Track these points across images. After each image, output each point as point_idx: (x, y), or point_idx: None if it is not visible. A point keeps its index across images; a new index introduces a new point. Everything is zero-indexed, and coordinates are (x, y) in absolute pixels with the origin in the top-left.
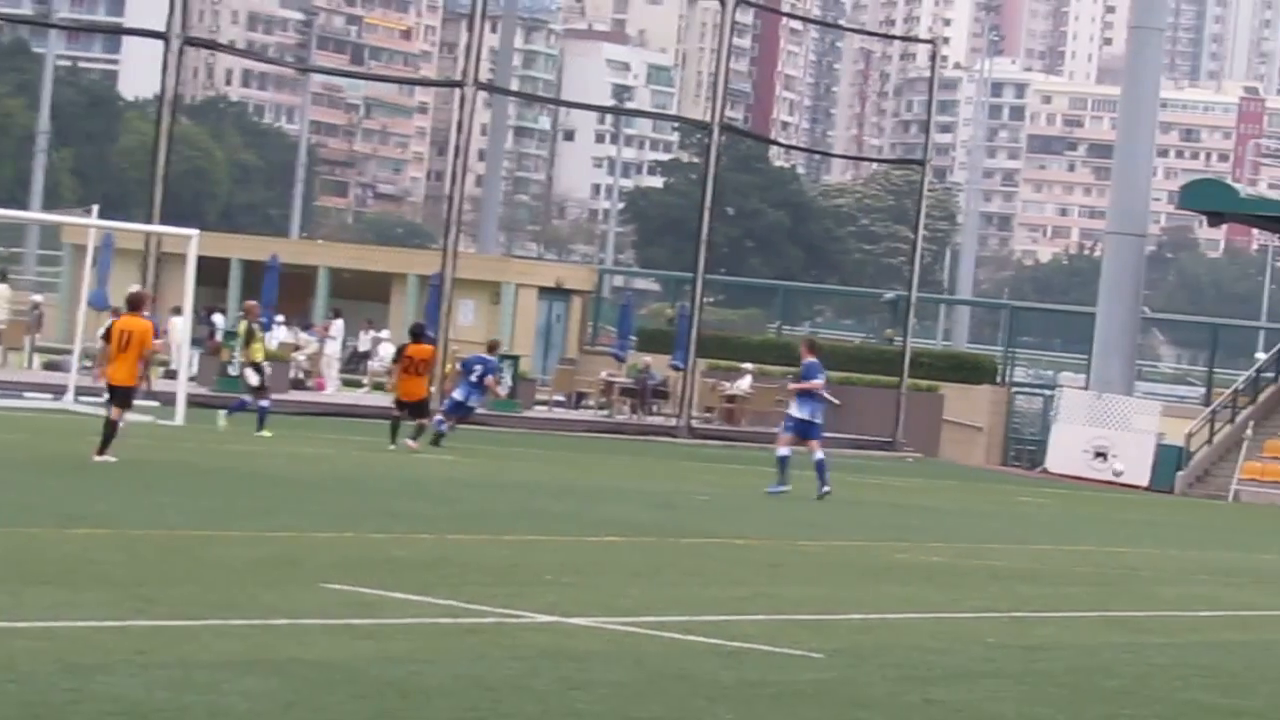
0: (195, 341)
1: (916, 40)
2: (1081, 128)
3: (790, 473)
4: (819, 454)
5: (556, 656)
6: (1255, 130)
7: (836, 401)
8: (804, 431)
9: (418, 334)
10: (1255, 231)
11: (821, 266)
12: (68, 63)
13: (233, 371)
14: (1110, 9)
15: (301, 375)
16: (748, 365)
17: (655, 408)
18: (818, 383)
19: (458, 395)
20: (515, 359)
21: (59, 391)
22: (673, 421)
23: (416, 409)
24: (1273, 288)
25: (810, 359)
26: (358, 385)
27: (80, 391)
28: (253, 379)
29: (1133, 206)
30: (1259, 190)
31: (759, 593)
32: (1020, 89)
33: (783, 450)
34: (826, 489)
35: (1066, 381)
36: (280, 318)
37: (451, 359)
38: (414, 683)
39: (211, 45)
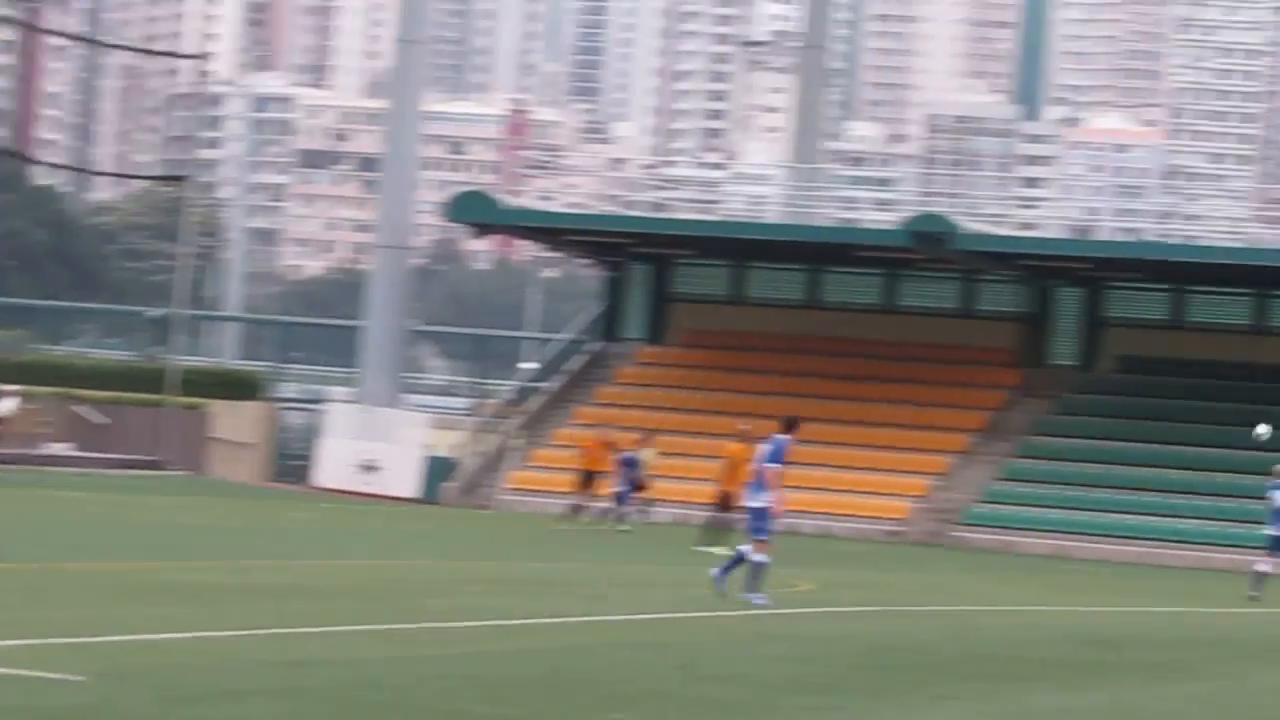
0: None
1: (182, 56)
2: (349, 141)
3: None
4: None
5: None
6: (521, 142)
7: None
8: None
9: None
10: (521, 242)
11: (88, 285)
12: None
13: None
14: (377, 22)
15: None
16: (12, 387)
17: None
18: None
19: None
20: None
21: None
22: None
23: None
24: (540, 298)
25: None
26: None
27: None
28: None
29: (399, 219)
30: (524, 202)
31: (18, 617)
32: (287, 102)
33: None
34: None
35: (335, 396)
36: None
37: None
38: None
39: None
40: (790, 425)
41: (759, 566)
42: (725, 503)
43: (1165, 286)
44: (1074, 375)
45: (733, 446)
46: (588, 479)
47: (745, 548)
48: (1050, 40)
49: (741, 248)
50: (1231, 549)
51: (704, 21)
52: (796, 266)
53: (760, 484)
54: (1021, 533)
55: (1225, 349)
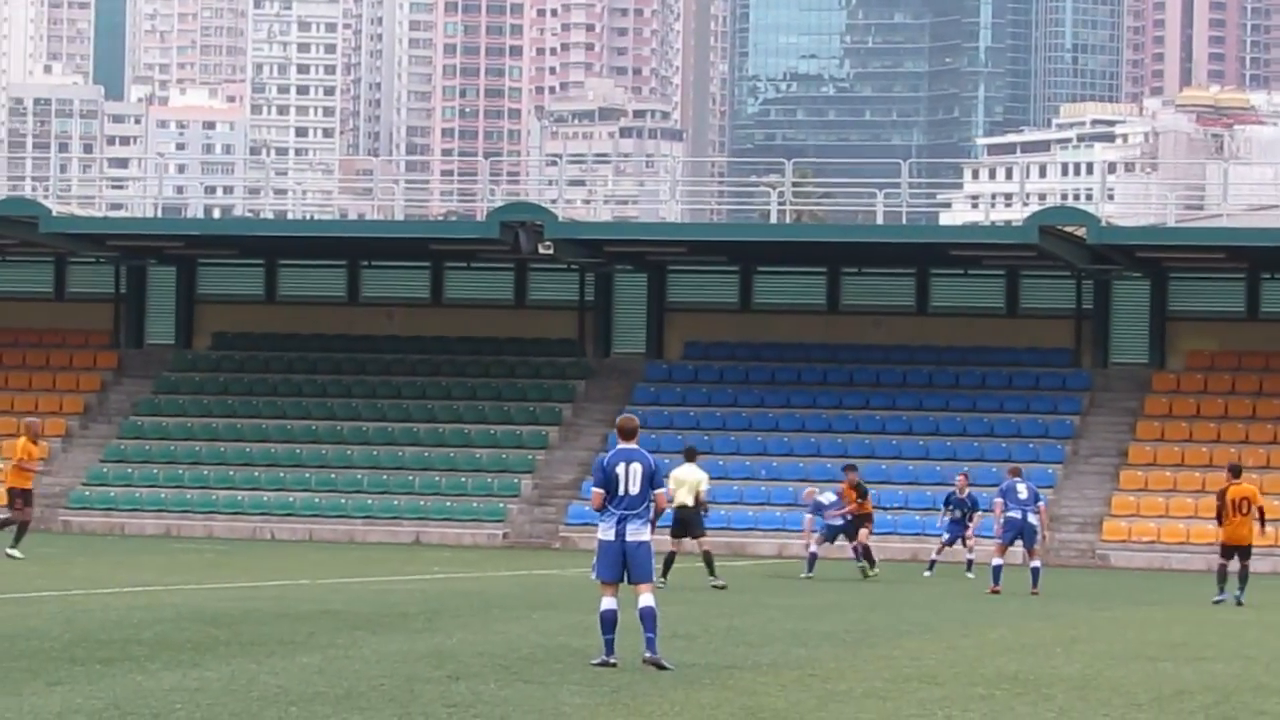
0: None
1: None
2: None
3: None
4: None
5: None
6: None
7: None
8: None
9: None
10: None
11: None
12: None
13: None
14: None
15: None
16: None
17: None
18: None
19: None
20: None
21: None
22: None
23: None
24: None
25: None
26: None
27: None
28: None
29: None
30: None
31: None
32: None
33: None
34: None
35: None
36: None
37: None
38: None
39: None
40: None
41: None
42: None
43: (258, 262)
44: (171, 354)
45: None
46: None
47: None
48: (129, 18)
49: None
50: (339, 520)
51: None
52: None
53: None
54: (130, 514)
55: (319, 322)
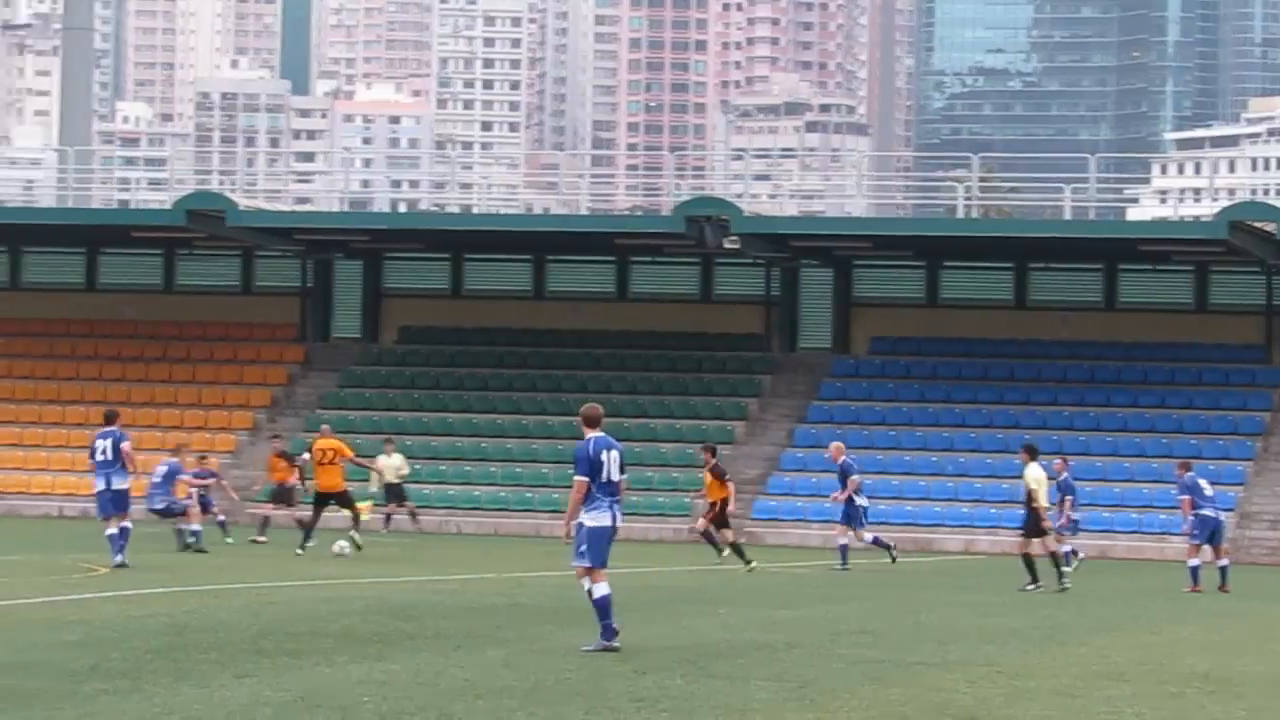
0: None
1: None
2: None
3: None
4: None
5: None
6: None
7: None
8: None
9: None
10: None
11: None
12: None
13: None
14: None
15: None
16: None
17: None
18: None
19: None
20: None
21: None
22: None
23: None
24: None
25: None
26: None
27: None
28: None
29: None
30: None
31: None
32: None
33: None
34: None
35: None
36: None
37: None
38: None
39: None
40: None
41: None
42: None
43: (443, 256)
44: (357, 348)
45: None
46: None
47: None
48: (315, 14)
49: (16, 233)
50: (524, 514)
51: None
52: (73, 250)
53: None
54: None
55: (505, 316)
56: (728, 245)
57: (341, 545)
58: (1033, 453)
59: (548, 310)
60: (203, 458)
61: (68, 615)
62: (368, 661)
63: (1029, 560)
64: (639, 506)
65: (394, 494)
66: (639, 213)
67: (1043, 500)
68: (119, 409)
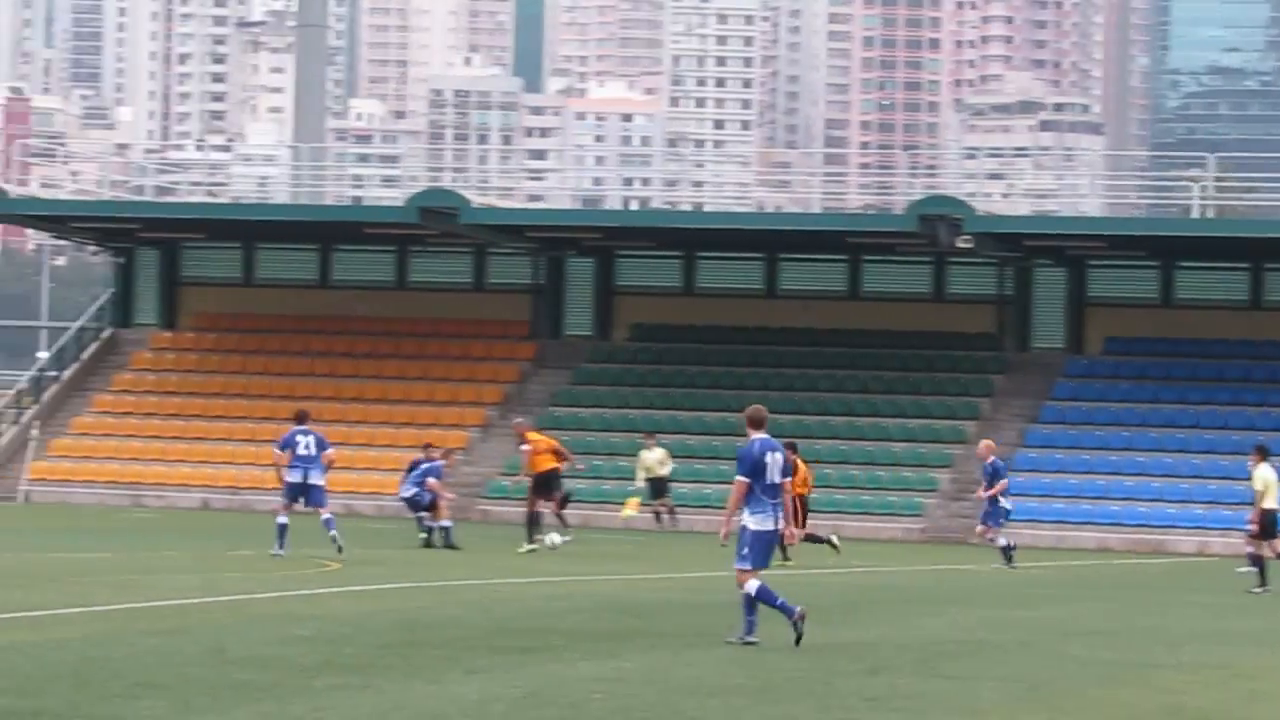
0: None
1: None
2: None
3: None
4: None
5: None
6: (23, 130)
7: None
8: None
9: None
10: (30, 231)
11: None
12: None
13: None
14: None
15: None
16: None
17: None
18: None
19: None
20: None
21: None
22: None
23: None
24: (52, 286)
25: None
26: None
27: None
28: None
29: None
30: (29, 190)
31: None
32: None
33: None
34: None
35: None
36: None
37: None
38: None
39: None
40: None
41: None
42: None
43: (675, 254)
44: (589, 345)
45: None
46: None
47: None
48: (547, 11)
49: (250, 229)
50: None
51: (201, 3)
52: (306, 246)
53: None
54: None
55: (736, 314)
56: (960, 244)
57: (554, 538)
58: (1264, 454)
59: (779, 308)
60: (448, 453)
61: (300, 610)
62: (598, 659)
63: (1259, 561)
64: (870, 506)
65: (657, 489)
66: (871, 211)
67: (1271, 502)
68: (355, 405)
